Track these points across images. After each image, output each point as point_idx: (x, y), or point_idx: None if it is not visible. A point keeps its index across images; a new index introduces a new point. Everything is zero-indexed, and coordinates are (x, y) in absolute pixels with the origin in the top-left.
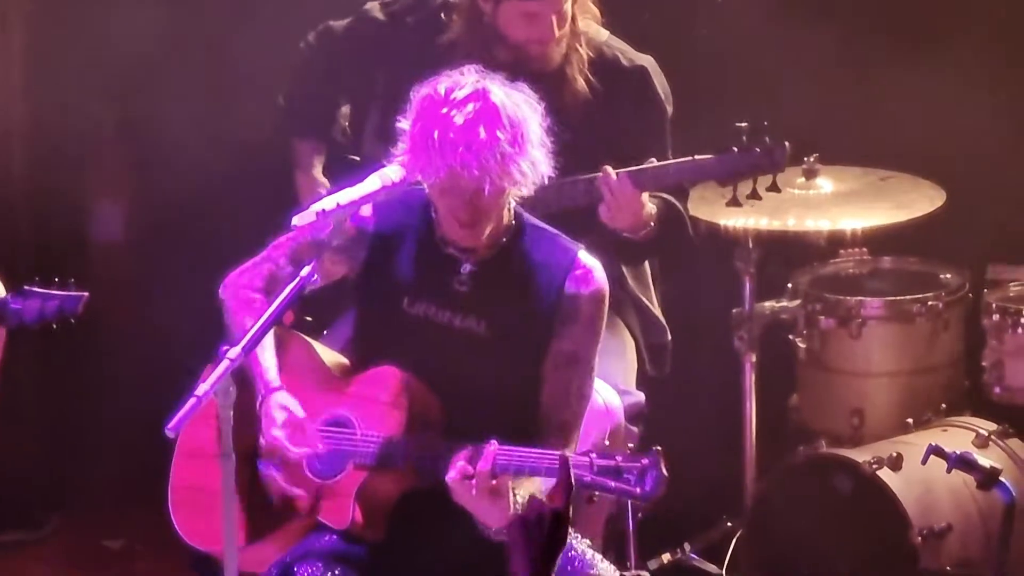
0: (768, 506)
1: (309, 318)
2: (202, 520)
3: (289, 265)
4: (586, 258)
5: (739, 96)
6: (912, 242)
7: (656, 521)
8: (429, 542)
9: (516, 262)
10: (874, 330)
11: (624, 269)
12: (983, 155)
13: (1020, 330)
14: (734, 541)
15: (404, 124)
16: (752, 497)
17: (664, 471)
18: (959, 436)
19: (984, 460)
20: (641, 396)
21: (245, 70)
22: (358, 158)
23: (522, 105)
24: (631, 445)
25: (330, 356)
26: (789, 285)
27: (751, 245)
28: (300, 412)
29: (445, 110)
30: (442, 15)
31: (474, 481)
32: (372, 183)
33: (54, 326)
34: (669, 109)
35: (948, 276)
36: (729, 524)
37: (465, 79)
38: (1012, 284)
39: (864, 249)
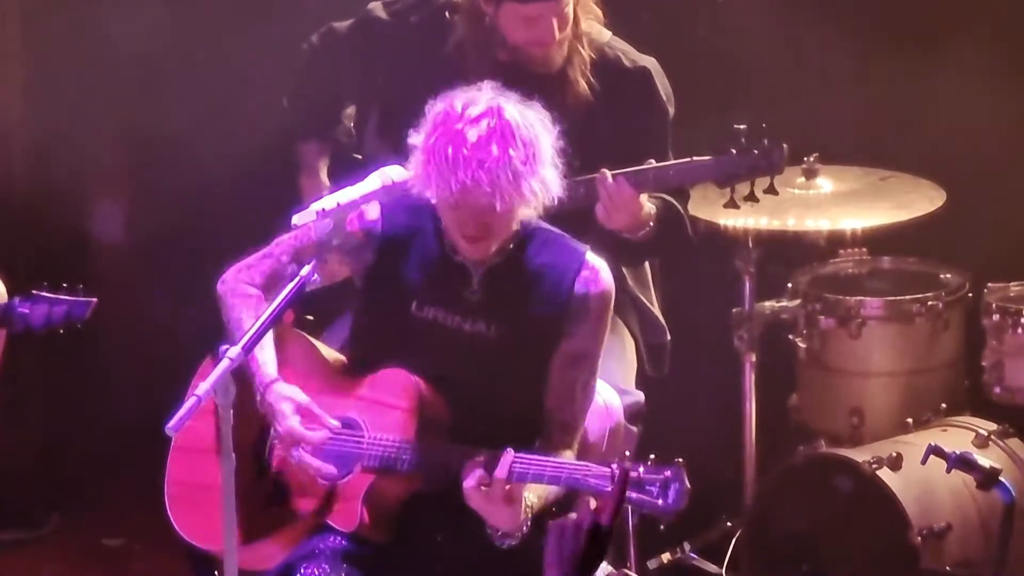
0: (768, 506)
1: (310, 317)
2: (199, 516)
3: (292, 263)
4: (593, 258)
5: (739, 96)
6: (912, 242)
7: (656, 521)
8: (436, 544)
9: (524, 266)
10: (874, 330)
11: (624, 269)
12: (983, 155)
13: (1020, 330)
14: (734, 541)
15: (416, 139)
16: (752, 497)
17: (687, 483)
18: (959, 436)
19: (984, 460)
20: (641, 396)
21: (246, 70)
22: (360, 156)
23: (535, 124)
24: (651, 457)
25: (333, 355)
26: (789, 285)
27: (751, 245)
28: (304, 398)
29: (459, 126)
30: (446, 14)
31: (490, 488)
32: (372, 182)
33: (61, 331)
34: (671, 110)
35: (948, 276)
36: (729, 524)
37: (480, 96)
38: (1012, 284)
39: (864, 249)
